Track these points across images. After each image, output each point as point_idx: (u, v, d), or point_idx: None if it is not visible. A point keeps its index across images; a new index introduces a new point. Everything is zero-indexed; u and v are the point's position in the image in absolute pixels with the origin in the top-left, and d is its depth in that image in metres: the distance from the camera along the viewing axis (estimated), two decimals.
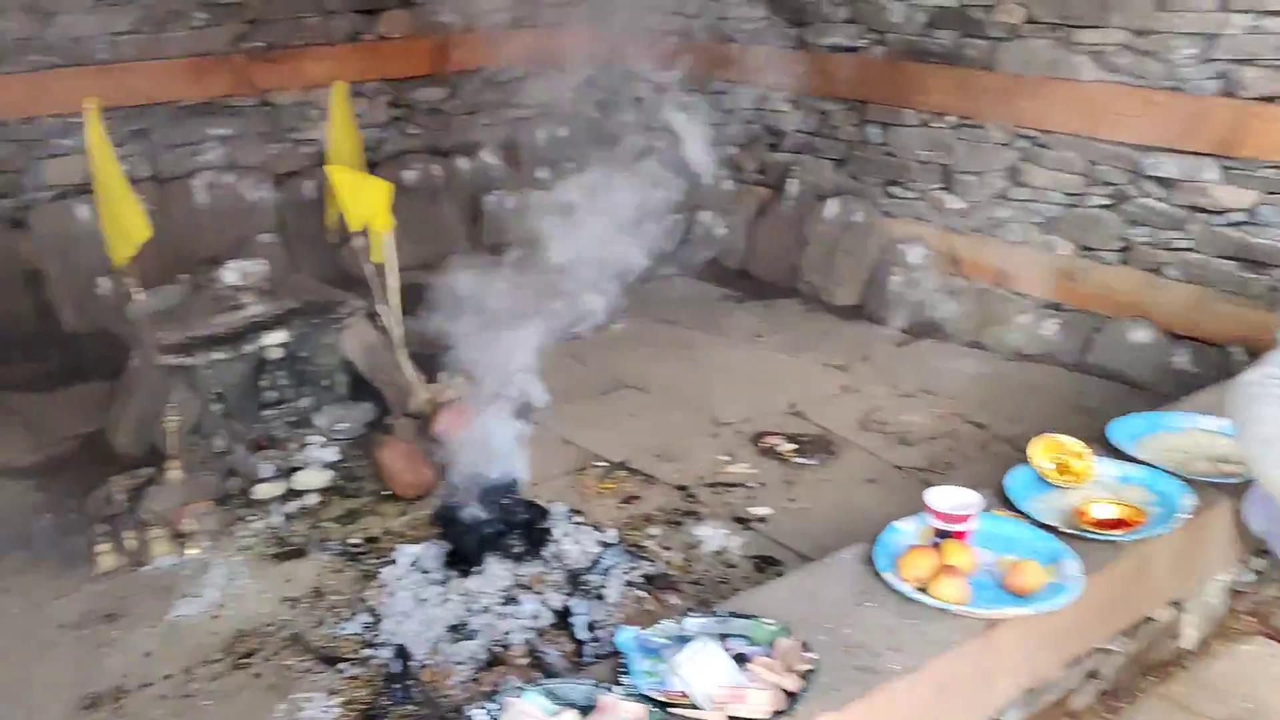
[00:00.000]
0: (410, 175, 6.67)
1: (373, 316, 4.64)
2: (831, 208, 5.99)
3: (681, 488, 4.11)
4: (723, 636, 2.52)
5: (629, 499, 4.03)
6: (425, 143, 6.86)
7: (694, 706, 2.32)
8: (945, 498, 2.87)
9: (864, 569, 2.82)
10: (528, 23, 6.90)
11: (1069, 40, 4.87)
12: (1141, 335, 4.80)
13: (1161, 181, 4.69)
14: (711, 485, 4.12)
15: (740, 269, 6.41)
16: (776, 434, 4.47)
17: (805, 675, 2.42)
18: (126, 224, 3.79)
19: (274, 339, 4.31)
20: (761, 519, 3.89)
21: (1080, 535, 2.87)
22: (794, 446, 4.37)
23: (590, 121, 6.99)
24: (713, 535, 3.77)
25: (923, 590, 2.68)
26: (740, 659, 2.46)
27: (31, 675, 3.18)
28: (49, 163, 5.71)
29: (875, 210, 5.84)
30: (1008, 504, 3.07)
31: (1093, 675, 3.01)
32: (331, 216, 4.54)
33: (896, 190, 5.78)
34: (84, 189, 5.82)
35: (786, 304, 5.97)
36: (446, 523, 3.29)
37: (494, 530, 3.21)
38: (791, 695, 2.38)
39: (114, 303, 4.54)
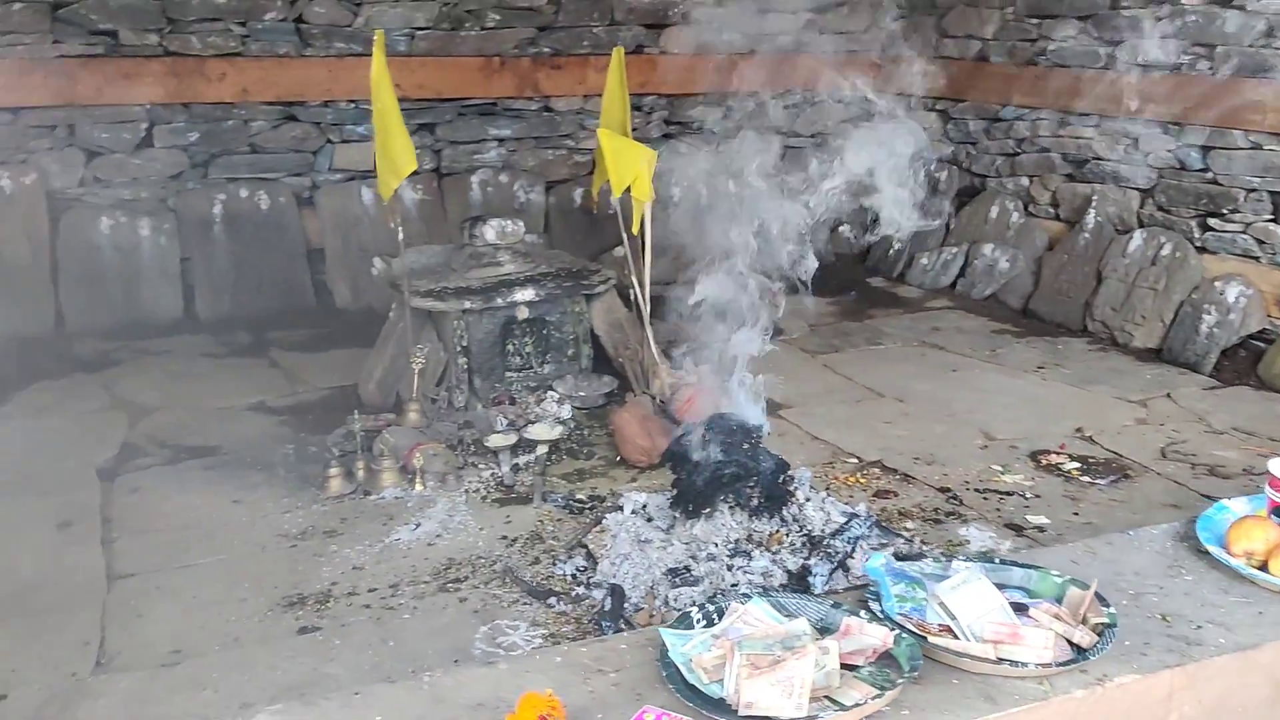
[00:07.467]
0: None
1: (624, 294, 4.47)
2: (1135, 241, 5.37)
3: (944, 490, 3.63)
4: (999, 587, 2.06)
5: (882, 493, 3.60)
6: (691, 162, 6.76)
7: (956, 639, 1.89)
8: None
9: (1178, 544, 2.29)
10: (808, 48, 6.73)
11: None
12: None
13: None
14: (980, 491, 3.62)
15: (1024, 307, 5.84)
16: (1059, 453, 3.91)
17: (1101, 631, 1.93)
18: (396, 156, 3.78)
19: (523, 296, 4.20)
20: (1039, 528, 3.36)
21: None
22: (1078, 465, 3.81)
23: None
24: (979, 537, 3.29)
25: (1260, 568, 2.13)
26: (1018, 609, 1.99)
27: (245, 573, 3.11)
28: (340, 147, 5.97)
29: (1188, 245, 5.17)
30: None
31: None
32: (596, 185, 4.42)
33: (1215, 222, 5.10)
34: (369, 174, 6.06)
35: (1073, 343, 5.35)
36: (678, 461, 2.97)
37: (729, 473, 2.86)
38: (1081, 650, 1.90)
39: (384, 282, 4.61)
